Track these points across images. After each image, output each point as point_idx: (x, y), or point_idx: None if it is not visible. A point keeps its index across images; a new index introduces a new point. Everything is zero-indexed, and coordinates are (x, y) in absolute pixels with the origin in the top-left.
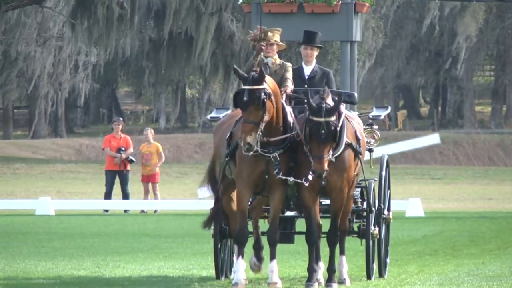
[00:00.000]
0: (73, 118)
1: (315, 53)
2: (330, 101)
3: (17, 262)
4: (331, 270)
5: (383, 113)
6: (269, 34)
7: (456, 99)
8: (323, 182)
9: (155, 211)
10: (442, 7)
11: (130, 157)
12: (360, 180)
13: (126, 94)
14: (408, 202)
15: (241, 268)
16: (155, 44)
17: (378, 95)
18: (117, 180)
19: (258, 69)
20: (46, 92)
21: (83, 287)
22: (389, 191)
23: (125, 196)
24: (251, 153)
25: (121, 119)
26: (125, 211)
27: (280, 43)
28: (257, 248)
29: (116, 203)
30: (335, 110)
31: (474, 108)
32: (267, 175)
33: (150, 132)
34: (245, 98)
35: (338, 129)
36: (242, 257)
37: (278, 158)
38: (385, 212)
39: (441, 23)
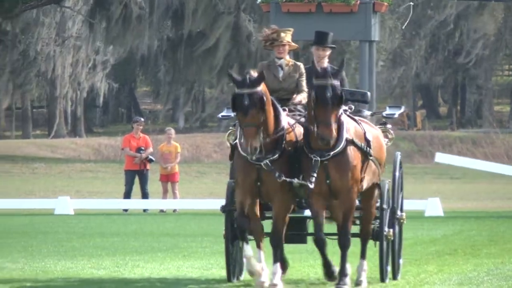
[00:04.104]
0: (92, 117)
1: (327, 53)
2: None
3: (37, 262)
4: (343, 274)
5: (396, 112)
6: (282, 34)
7: (475, 99)
8: (327, 181)
9: (174, 210)
10: (461, 6)
11: (150, 157)
12: None
13: (144, 94)
14: (427, 202)
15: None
16: (173, 43)
17: (397, 95)
18: (136, 179)
19: (256, 71)
20: (65, 91)
21: (103, 286)
22: (402, 192)
23: (144, 195)
24: (255, 156)
25: (142, 119)
26: (144, 210)
27: (292, 43)
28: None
29: (135, 203)
30: (339, 73)
31: (493, 108)
32: (260, 182)
33: (172, 132)
34: (245, 102)
35: (343, 94)
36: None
37: (270, 164)
38: (398, 212)
39: (460, 22)
